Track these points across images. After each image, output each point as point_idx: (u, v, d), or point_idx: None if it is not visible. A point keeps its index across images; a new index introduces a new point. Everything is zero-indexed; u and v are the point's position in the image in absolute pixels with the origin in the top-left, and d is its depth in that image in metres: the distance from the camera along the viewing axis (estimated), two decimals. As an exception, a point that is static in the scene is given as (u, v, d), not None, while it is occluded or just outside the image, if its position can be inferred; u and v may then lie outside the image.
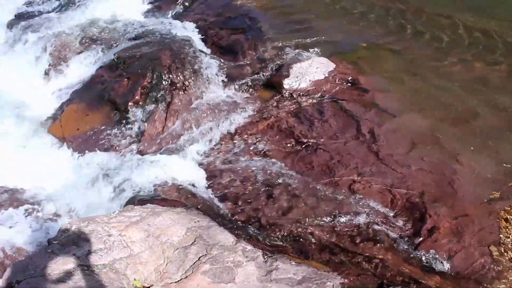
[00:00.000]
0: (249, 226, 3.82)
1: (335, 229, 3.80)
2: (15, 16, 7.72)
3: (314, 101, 4.99)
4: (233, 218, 3.89)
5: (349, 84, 5.18)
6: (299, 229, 3.80)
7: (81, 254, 2.96)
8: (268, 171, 4.32)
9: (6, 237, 4.06)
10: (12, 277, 2.84)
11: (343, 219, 3.84)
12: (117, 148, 4.80)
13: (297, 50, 5.50)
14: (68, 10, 7.39)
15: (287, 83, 5.12)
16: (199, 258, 3.08)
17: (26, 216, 4.34)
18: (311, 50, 5.50)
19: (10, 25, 7.44)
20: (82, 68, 6.07)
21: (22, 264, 2.98)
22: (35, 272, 2.85)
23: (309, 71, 5.18)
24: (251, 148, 4.59)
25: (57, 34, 6.65)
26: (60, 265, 2.88)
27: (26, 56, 6.53)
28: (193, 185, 4.20)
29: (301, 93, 5.08)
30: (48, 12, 7.70)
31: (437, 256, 3.48)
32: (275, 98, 5.08)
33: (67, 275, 2.82)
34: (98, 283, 2.80)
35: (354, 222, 3.82)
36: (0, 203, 4.48)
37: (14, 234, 4.09)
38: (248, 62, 5.48)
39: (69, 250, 2.99)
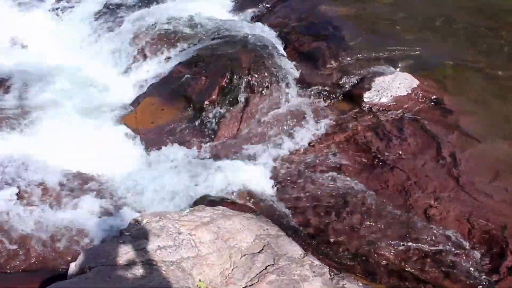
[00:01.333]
0: (317, 240, 3.71)
1: (406, 254, 3.64)
2: (103, 7, 7.96)
3: (394, 117, 4.81)
4: (301, 230, 3.80)
5: (432, 103, 4.96)
6: (368, 249, 3.67)
7: (150, 248, 2.97)
8: (341, 186, 4.20)
9: (77, 223, 4.15)
10: (85, 263, 2.89)
11: (415, 245, 3.67)
12: (189, 145, 4.81)
13: (380, 63, 5.31)
14: (153, 4, 7.53)
15: (367, 97, 4.97)
16: (266, 267, 3.01)
17: (96, 203, 4.41)
18: (395, 64, 5.29)
19: (98, 16, 7.68)
20: (161, 62, 6.16)
21: (94, 252, 3.04)
22: (106, 260, 2.89)
23: (392, 86, 5.00)
24: (325, 159, 4.48)
25: (140, 27, 6.79)
26: (130, 256, 2.91)
27: (110, 47, 6.70)
28: (262, 192, 4.14)
29: (381, 108, 4.91)
30: (134, 5, 7.90)
31: (516, 299, 3.25)
32: (354, 110, 4.94)
33: (136, 268, 2.83)
34: (165, 280, 2.80)
35: (426, 249, 3.64)
36: (71, 189, 4.59)
37: (85, 221, 4.17)
38: (328, 71, 5.34)
39: (139, 243, 3.01)
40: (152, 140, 5.00)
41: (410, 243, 3.68)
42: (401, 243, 3.69)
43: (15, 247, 3.93)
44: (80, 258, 2.95)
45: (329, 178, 4.29)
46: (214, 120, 4.91)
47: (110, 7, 7.99)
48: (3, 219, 4.11)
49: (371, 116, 4.86)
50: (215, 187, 4.16)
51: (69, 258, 3.89)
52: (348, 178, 4.28)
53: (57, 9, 8.13)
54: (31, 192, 4.47)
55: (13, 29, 7.46)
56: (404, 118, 4.80)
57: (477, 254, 3.59)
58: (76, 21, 7.76)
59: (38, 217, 4.20)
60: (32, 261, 3.90)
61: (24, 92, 5.87)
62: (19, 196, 4.40)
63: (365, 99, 4.99)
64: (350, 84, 5.20)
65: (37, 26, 7.65)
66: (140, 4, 7.86)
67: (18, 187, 4.48)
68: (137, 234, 3.08)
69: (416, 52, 5.61)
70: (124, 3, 8.06)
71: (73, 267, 3.03)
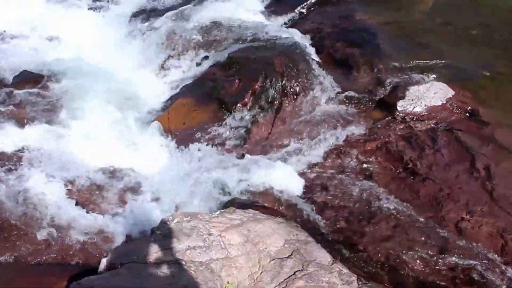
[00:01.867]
0: (346, 247, 3.70)
1: (436, 266, 3.60)
2: (140, 8, 8.09)
3: (428, 127, 4.75)
4: (330, 236, 3.79)
5: (467, 114, 4.88)
6: (397, 260, 3.63)
7: (181, 248, 3.00)
8: (371, 194, 4.17)
9: (106, 219, 4.22)
10: (117, 258, 2.94)
11: (445, 258, 3.63)
12: (220, 147, 4.83)
13: (415, 72, 5.25)
14: (188, 7, 7.60)
15: (401, 105, 4.92)
16: (295, 272, 3.01)
17: (127, 200, 4.48)
18: (430, 73, 5.22)
19: (135, 16, 7.80)
20: (195, 64, 6.21)
21: (126, 248, 3.09)
22: (137, 258, 2.93)
23: (426, 95, 4.95)
24: (356, 166, 4.46)
25: (175, 29, 6.87)
26: (160, 255, 2.94)
27: (145, 47, 6.80)
28: (292, 196, 4.14)
29: (414, 117, 4.86)
30: (169, 7, 8.00)
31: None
32: (387, 118, 4.89)
33: (166, 266, 2.86)
34: (194, 280, 2.82)
35: (457, 263, 3.59)
36: (103, 185, 4.65)
37: (115, 217, 4.24)
38: (361, 78, 5.32)
39: (170, 242, 3.04)
40: (183, 140, 5.04)
41: (440, 256, 3.64)
42: (431, 255, 3.65)
43: (46, 239, 4.00)
44: (112, 254, 3.00)
45: (360, 185, 4.26)
46: (246, 123, 4.91)
47: (147, 8, 8.12)
48: (35, 211, 4.21)
49: (404, 125, 4.81)
50: (245, 189, 4.18)
51: (98, 253, 3.96)
52: (379, 186, 4.25)
53: (96, 8, 8.31)
54: (64, 186, 4.56)
55: (54, 26, 7.63)
56: (438, 128, 4.74)
57: (509, 271, 3.52)
58: (114, 20, 7.92)
59: (69, 211, 4.27)
60: (62, 254, 3.97)
61: (61, 87, 5.98)
62: (52, 188, 4.50)
63: (398, 108, 4.94)
64: (383, 92, 5.16)
65: (77, 24, 7.80)
66: (175, 6, 7.95)
67: (53, 180, 4.59)
68: (168, 233, 3.11)
69: (452, 62, 5.53)
70: (159, 5, 8.18)
71: (104, 262, 3.07)
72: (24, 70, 6.28)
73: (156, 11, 7.90)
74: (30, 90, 5.92)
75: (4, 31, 7.48)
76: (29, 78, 6.09)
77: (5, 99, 5.67)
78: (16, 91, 5.85)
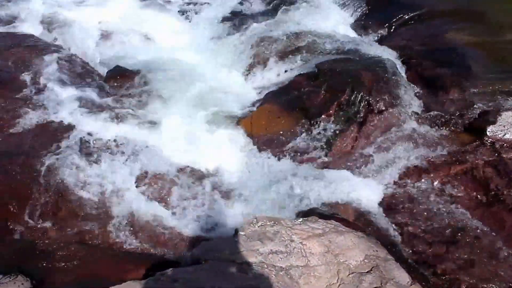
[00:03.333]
0: (425, 269, 3.63)
1: (518, 302, 3.45)
2: (228, 13, 8.30)
3: (519, 156, 4.57)
4: (409, 257, 3.73)
5: None
6: (477, 288, 3.52)
7: (263, 251, 3.08)
8: (453, 218, 4.07)
9: (188, 216, 4.38)
10: (202, 254, 3.06)
11: (529, 292, 3.48)
12: (301, 156, 4.88)
13: (507, 97, 5.05)
14: (276, 14, 7.73)
15: (490, 131, 4.74)
16: (373, 289, 3.01)
17: (208, 199, 4.62)
18: (525, 99, 5.03)
19: (222, 21, 8.02)
20: (281, 71, 6.30)
21: (210, 245, 3.20)
22: (221, 255, 3.03)
23: (519, 122, 4.76)
24: (439, 189, 4.36)
25: (262, 36, 6.99)
26: (244, 255, 3.03)
27: (232, 51, 6.97)
28: (372, 211, 4.12)
29: (505, 145, 4.66)
30: (257, 13, 8.17)
31: None
32: (474, 143, 4.73)
33: (248, 268, 2.95)
34: (273, 284, 2.88)
35: (541, 299, 3.43)
36: (185, 182, 4.81)
37: (196, 215, 4.38)
38: (449, 99, 5.18)
39: (253, 244, 3.12)
40: (265, 146, 5.12)
41: (524, 291, 3.50)
42: (514, 290, 3.51)
43: (123, 228, 4.24)
44: (198, 250, 3.12)
45: (442, 208, 4.17)
46: (329, 134, 4.93)
47: (235, 14, 8.30)
48: (116, 201, 4.46)
49: (493, 151, 4.62)
50: (325, 200, 4.20)
51: (176, 248, 4.12)
52: (462, 212, 4.14)
53: (186, 11, 8.62)
54: (147, 180, 4.77)
55: (146, 26, 8.01)
56: (530, 158, 4.54)
57: None
58: (202, 23, 8.15)
59: (149, 205, 4.48)
60: (140, 245, 4.14)
61: (151, 84, 6.25)
62: (137, 181, 4.73)
63: (488, 133, 4.76)
64: (472, 115, 4.99)
65: (167, 26, 8.15)
66: (262, 13, 8.10)
67: (136, 172, 4.81)
68: (251, 235, 3.19)
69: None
70: (247, 11, 8.36)
71: (187, 256, 3.21)
72: (117, 66, 6.61)
73: (244, 17, 8.06)
74: (122, 85, 6.25)
75: (101, 29, 7.93)
76: (122, 74, 6.42)
77: (99, 92, 6.00)
78: (108, 85, 6.20)
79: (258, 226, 3.28)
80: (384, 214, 4.15)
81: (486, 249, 3.80)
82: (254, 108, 5.71)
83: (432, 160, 4.60)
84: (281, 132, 5.18)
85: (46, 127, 5.08)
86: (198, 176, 4.93)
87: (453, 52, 6.02)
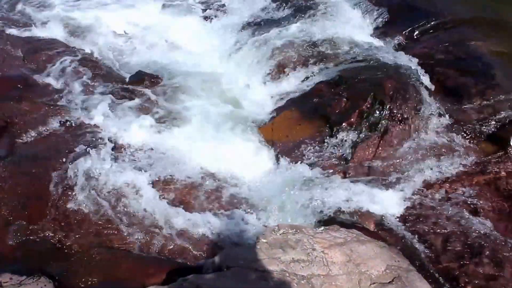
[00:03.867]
0: (447, 280, 3.60)
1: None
2: (248, 19, 8.34)
3: (544, 168, 4.51)
4: (431, 268, 3.70)
5: None
6: (501, 302, 3.48)
7: (285, 259, 3.08)
8: (476, 229, 4.02)
9: (206, 222, 4.38)
10: (224, 262, 3.07)
11: (554, 307, 3.42)
12: (322, 163, 4.87)
13: (533, 108, 5.01)
14: (296, 21, 7.72)
15: (515, 141, 4.71)
16: (395, 300, 2.99)
17: (228, 205, 4.63)
18: (551, 110, 4.96)
19: (243, 27, 8.05)
20: (301, 78, 6.28)
21: (232, 253, 3.21)
22: (243, 263, 3.04)
23: (545, 133, 4.70)
24: (461, 200, 4.31)
25: (283, 42, 7.00)
26: (265, 263, 3.03)
27: (252, 57, 6.98)
28: (393, 221, 4.09)
29: (529, 156, 4.63)
30: (278, 20, 8.18)
31: None
32: (498, 154, 4.69)
33: (270, 275, 2.95)
34: (295, 293, 2.88)
35: None
36: (204, 188, 4.81)
37: (215, 221, 4.38)
38: (473, 109, 5.13)
39: (275, 252, 3.13)
40: (285, 153, 5.13)
41: (548, 304, 3.44)
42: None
43: (148, 233, 4.25)
44: (220, 257, 3.14)
45: (464, 219, 4.13)
46: (350, 143, 4.91)
47: (255, 20, 8.33)
48: (137, 206, 4.47)
49: (517, 162, 4.59)
50: (345, 209, 4.18)
51: (195, 253, 4.13)
52: (485, 223, 4.09)
53: (208, 16, 8.68)
54: (169, 186, 4.80)
55: (168, 31, 8.09)
56: (555, 170, 4.48)
57: None
58: (223, 29, 8.19)
59: (171, 210, 4.49)
60: (160, 250, 4.16)
61: (172, 90, 6.31)
62: (159, 186, 4.76)
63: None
64: (496, 125, 4.94)
65: (190, 31, 8.22)
66: (284, 20, 8.10)
67: (158, 177, 4.84)
68: (273, 243, 3.20)
69: None
70: (269, 18, 8.37)
71: (209, 263, 3.22)
72: (140, 70, 6.68)
73: (265, 24, 8.06)
74: (144, 90, 6.31)
75: (125, 31, 8.03)
76: (144, 78, 6.48)
77: (122, 96, 6.07)
78: (131, 89, 6.26)
79: (280, 234, 3.28)
80: (405, 224, 4.13)
81: (511, 262, 3.75)
82: (275, 115, 5.71)
83: (454, 170, 4.57)
84: (302, 140, 5.17)
85: (71, 131, 5.15)
86: (219, 182, 4.94)
87: (477, 60, 5.95)
